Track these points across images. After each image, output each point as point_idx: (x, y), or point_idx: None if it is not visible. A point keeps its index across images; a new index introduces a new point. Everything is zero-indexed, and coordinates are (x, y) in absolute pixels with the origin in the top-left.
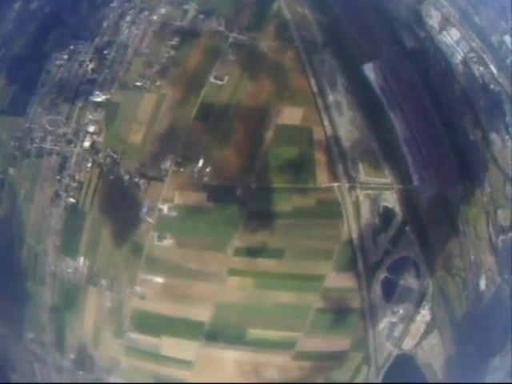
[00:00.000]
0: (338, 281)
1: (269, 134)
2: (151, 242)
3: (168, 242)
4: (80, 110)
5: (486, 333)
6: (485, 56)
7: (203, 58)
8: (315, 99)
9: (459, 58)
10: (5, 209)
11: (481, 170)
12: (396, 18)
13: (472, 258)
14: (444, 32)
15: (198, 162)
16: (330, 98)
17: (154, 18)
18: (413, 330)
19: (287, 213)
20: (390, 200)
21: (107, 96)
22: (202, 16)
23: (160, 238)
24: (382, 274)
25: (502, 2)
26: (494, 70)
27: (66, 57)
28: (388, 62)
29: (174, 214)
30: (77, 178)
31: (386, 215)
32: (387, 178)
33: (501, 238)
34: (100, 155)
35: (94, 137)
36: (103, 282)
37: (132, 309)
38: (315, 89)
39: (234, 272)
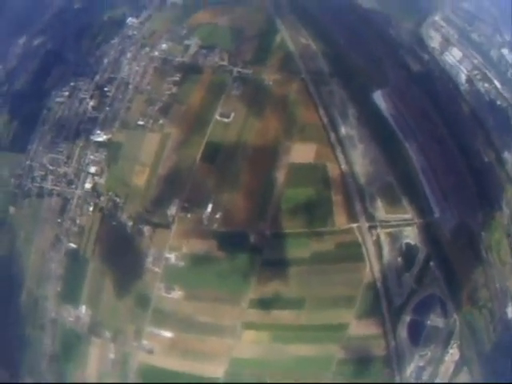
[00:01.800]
0: (362, 328)
1: (281, 175)
2: (158, 294)
3: (176, 293)
4: (81, 150)
5: None
6: (487, 72)
7: (207, 94)
8: (327, 133)
9: (464, 77)
10: (4, 249)
11: (498, 192)
12: (399, 43)
13: (497, 285)
14: (446, 52)
15: (206, 207)
16: (343, 130)
17: (155, 53)
18: (442, 372)
19: (304, 259)
20: (412, 236)
21: (108, 135)
22: (204, 51)
23: (168, 290)
24: (407, 317)
25: (492, 15)
26: (498, 85)
27: (66, 94)
28: (397, 89)
29: (182, 263)
30: (78, 222)
31: (409, 252)
32: (408, 213)
33: None
34: (102, 198)
35: (96, 178)
36: (107, 333)
37: (138, 363)
38: (326, 122)
39: (249, 326)
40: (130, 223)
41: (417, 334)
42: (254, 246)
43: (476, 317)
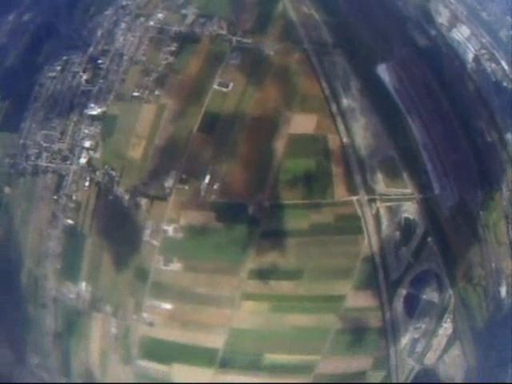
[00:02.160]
0: (359, 300)
1: (280, 145)
2: (157, 266)
3: (175, 265)
4: (75, 125)
5: (506, 340)
6: (495, 52)
7: (204, 64)
8: (328, 105)
9: (471, 55)
10: (1, 230)
11: (499, 173)
12: (406, 16)
13: (493, 265)
14: (454, 29)
15: (203, 178)
16: (344, 102)
17: (151, 23)
18: (435, 344)
19: (303, 231)
20: (411, 211)
21: (103, 109)
22: (201, 20)
23: (166, 262)
24: (403, 290)
25: None
26: (506, 66)
27: (59, 68)
28: (402, 63)
29: (181, 235)
30: (74, 197)
31: (408, 227)
32: (408, 187)
33: None
34: (97, 173)
35: (91, 153)
36: (107, 308)
37: (140, 336)
38: (328, 93)
39: (248, 296)
40: (127, 196)
41: (412, 307)
42: (252, 217)
43: (470, 294)
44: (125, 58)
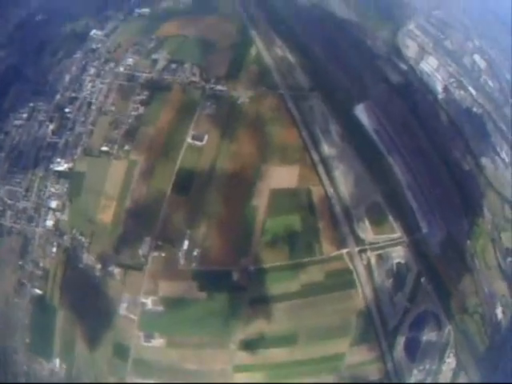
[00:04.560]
0: (358, 355)
1: (262, 203)
2: (137, 343)
3: (157, 341)
4: (40, 181)
5: (507, 357)
6: (463, 79)
7: (177, 115)
8: (309, 154)
9: (440, 85)
10: None
11: (479, 199)
12: (376, 53)
13: (486, 290)
14: (423, 61)
15: (181, 244)
16: (326, 149)
17: (121, 69)
18: (441, 381)
19: (294, 293)
20: (402, 255)
21: (70, 164)
22: (173, 65)
23: (147, 338)
24: (403, 336)
25: (462, 21)
26: (473, 92)
27: (25, 116)
28: (378, 102)
29: (161, 308)
30: (41, 264)
31: (400, 272)
32: (396, 232)
33: (508, 260)
34: (65, 237)
35: (58, 214)
36: None
37: None
38: (308, 141)
39: (240, 368)
40: (99, 265)
41: (413, 351)
42: (237, 284)
43: (468, 323)
44: (93, 107)
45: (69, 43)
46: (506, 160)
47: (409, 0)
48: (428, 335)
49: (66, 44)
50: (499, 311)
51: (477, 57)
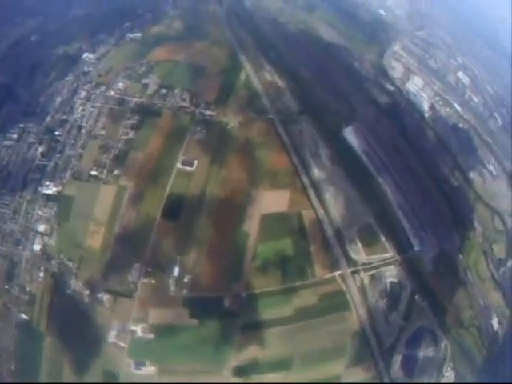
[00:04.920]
0: (354, 376)
1: (253, 228)
2: (127, 371)
3: (148, 369)
4: (28, 204)
5: (506, 365)
6: (448, 97)
7: (167, 140)
8: (300, 178)
9: (427, 104)
10: None
11: (470, 213)
12: (364, 75)
13: (481, 302)
14: (409, 81)
15: (172, 270)
16: (316, 173)
17: (111, 93)
18: None
19: (288, 318)
20: (395, 274)
21: (58, 188)
22: (163, 90)
23: (138, 366)
24: (400, 354)
25: (444, 40)
26: (459, 108)
27: (15, 136)
28: (367, 123)
29: (151, 336)
30: (28, 289)
31: (394, 291)
32: (388, 251)
33: (501, 270)
34: (53, 262)
35: (45, 238)
36: None
37: None
38: (298, 165)
39: None
40: (87, 292)
41: (411, 368)
42: (229, 311)
43: (465, 337)
44: (83, 130)
45: (61, 65)
46: (494, 172)
47: (393, 22)
48: (425, 351)
49: (59, 66)
50: (495, 322)
51: (460, 74)
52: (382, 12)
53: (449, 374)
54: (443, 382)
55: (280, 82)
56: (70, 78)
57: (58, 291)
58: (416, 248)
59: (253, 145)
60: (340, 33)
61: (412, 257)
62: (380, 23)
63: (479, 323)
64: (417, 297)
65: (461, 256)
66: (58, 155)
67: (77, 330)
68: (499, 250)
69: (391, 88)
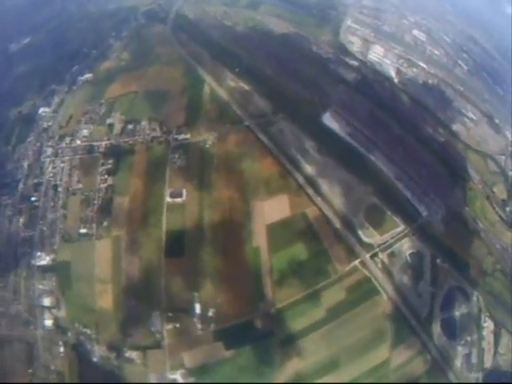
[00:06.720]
0: (403, 355)
1: (262, 241)
2: None
3: None
4: (26, 281)
5: None
6: (410, 57)
7: (149, 176)
8: (294, 178)
9: (393, 69)
10: None
11: (463, 164)
12: (326, 57)
13: (497, 246)
14: (370, 52)
15: (193, 308)
16: (308, 168)
17: (78, 143)
18: (486, 346)
19: (321, 320)
20: (412, 245)
21: (52, 256)
22: (130, 126)
23: None
24: (438, 320)
25: (392, 2)
26: (424, 65)
27: None
28: (342, 104)
29: (192, 379)
30: (52, 367)
31: (416, 261)
32: (399, 225)
33: (507, 210)
34: (69, 334)
35: (54, 311)
36: None
37: None
38: (288, 165)
39: None
40: (113, 354)
41: (452, 330)
42: (263, 331)
43: (493, 283)
44: (59, 189)
45: (19, 128)
46: (474, 118)
47: None
48: (460, 310)
49: (17, 129)
50: None
51: (415, 31)
52: None
53: (488, 324)
54: (485, 333)
55: (246, 86)
56: (31, 138)
57: (83, 361)
58: (424, 214)
59: (236, 158)
60: (290, 22)
61: (423, 223)
62: (326, 2)
63: (502, 266)
64: (438, 260)
65: (467, 208)
66: (41, 222)
67: None
68: (500, 191)
69: (355, 63)
